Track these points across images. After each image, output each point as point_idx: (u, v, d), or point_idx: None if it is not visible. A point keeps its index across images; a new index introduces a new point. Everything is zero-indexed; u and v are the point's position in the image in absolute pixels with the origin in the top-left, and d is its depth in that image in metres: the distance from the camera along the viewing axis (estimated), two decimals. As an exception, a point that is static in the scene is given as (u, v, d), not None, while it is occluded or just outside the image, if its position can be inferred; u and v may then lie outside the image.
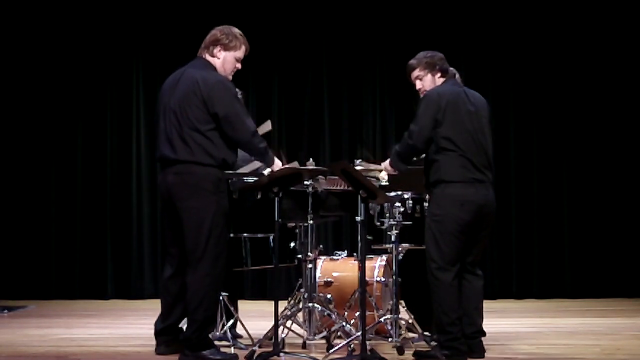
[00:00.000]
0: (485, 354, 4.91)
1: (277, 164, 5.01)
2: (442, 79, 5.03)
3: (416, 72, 5.06)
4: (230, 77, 5.01)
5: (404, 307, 5.60)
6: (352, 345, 4.98)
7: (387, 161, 5.12)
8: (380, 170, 5.31)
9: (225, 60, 4.94)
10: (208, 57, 4.95)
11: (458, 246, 4.79)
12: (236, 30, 4.99)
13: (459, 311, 4.82)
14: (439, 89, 4.93)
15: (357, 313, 5.22)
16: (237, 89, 5.51)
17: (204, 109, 4.75)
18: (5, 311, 7.75)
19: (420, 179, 5.07)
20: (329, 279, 5.76)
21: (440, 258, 4.78)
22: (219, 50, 4.94)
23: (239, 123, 4.79)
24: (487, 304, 5.11)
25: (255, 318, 6.24)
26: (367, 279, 5.26)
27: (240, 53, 4.98)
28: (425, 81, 5.05)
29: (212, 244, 4.73)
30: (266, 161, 4.98)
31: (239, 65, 5.02)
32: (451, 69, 5.10)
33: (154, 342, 5.09)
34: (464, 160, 4.79)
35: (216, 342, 4.96)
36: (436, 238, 4.80)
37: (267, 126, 5.44)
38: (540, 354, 5.17)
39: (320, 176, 5.44)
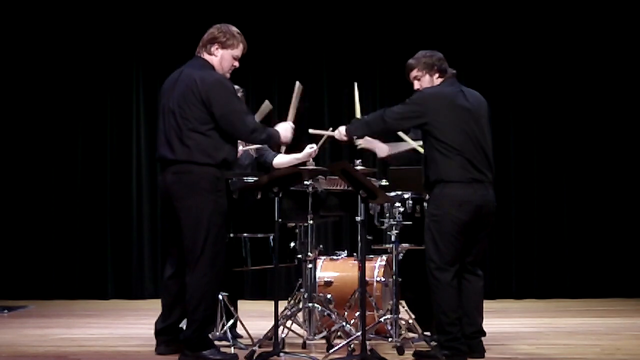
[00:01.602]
0: (485, 354, 4.91)
1: (284, 132, 5.04)
2: (440, 79, 5.02)
3: (414, 72, 5.06)
4: (228, 76, 5.00)
5: (404, 307, 5.60)
6: (352, 345, 4.99)
7: (343, 127, 5.15)
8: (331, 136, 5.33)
9: (222, 58, 4.94)
10: (206, 56, 4.94)
11: (457, 246, 4.79)
12: (234, 29, 4.99)
13: (459, 311, 4.82)
14: (433, 88, 4.93)
15: (357, 313, 5.22)
16: (237, 87, 5.53)
17: (203, 109, 4.75)
18: (5, 311, 7.75)
19: (419, 179, 5.07)
20: (329, 279, 5.76)
21: (439, 258, 4.78)
22: (217, 49, 4.93)
23: (238, 121, 4.79)
24: (487, 304, 5.12)
25: (255, 318, 6.25)
26: (367, 279, 5.26)
27: (237, 51, 4.98)
28: (424, 81, 5.03)
29: (210, 243, 4.73)
30: (272, 144, 5.05)
31: (236, 64, 5.01)
32: (450, 69, 5.09)
33: (154, 342, 5.09)
34: (463, 160, 4.78)
35: (216, 342, 4.97)
36: (435, 238, 4.79)
37: (266, 107, 5.44)
38: (540, 354, 5.18)
39: (320, 176, 5.44)
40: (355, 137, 5.24)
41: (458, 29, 9.07)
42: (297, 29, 9.21)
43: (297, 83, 5.45)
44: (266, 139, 4.98)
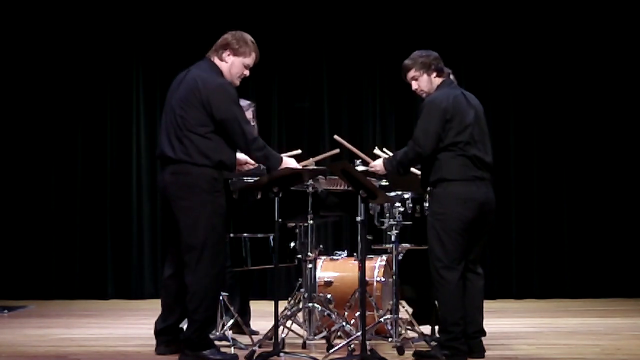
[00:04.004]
0: (485, 354, 4.91)
1: (287, 163, 4.95)
2: (438, 79, 5.01)
3: (412, 73, 5.04)
4: (238, 83, 4.99)
5: (404, 307, 5.60)
6: (352, 345, 4.99)
7: (381, 162, 5.09)
8: (367, 163, 5.26)
9: (233, 65, 4.93)
10: (216, 61, 4.94)
11: (462, 244, 4.79)
12: (248, 37, 4.98)
13: (463, 310, 4.82)
14: (440, 94, 4.91)
15: (357, 313, 5.22)
16: (249, 102, 5.56)
17: (203, 111, 4.74)
18: (5, 311, 7.75)
19: (419, 179, 5.07)
20: (329, 279, 5.76)
21: (446, 257, 4.77)
22: (228, 55, 4.93)
23: (238, 128, 4.77)
24: (487, 304, 5.11)
25: (255, 318, 6.25)
26: (367, 279, 5.26)
27: (249, 60, 4.96)
28: (422, 82, 5.03)
29: (210, 244, 4.73)
30: (270, 165, 4.93)
31: (247, 72, 4.99)
32: (446, 68, 5.09)
33: (154, 342, 5.09)
34: (465, 160, 4.80)
35: (216, 342, 4.96)
36: (440, 236, 4.79)
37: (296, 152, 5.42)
38: (540, 354, 5.18)
39: (320, 176, 5.44)
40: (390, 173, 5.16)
41: (457, 29, 9.07)
42: (298, 29, 9.20)
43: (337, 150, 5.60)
44: (262, 158, 4.89)
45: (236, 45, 4.92)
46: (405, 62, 5.07)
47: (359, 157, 5.33)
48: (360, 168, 5.22)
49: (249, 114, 5.69)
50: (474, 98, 5.00)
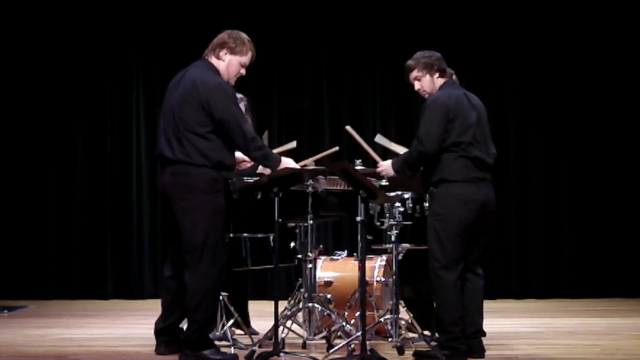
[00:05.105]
0: (485, 353, 4.91)
1: (286, 163, 4.95)
2: (440, 79, 5.01)
3: (414, 73, 5.05)
4: (233, 82, 4.99)
5: (404, 307, 5.61)
6: (352, 345, 4.99)
7: (390, 162, 5.09)
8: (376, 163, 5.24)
9: (229, 63, 4.93)
10: (213, 60, 4.94)
11: (462, 245, 4.80)
12: (244, 36, 4.98)
13: (461, 310, 4.82)
14: (443, 94, 4.91)
15: (357, 313, 5.22)
16: (241, 95, 5.53)
17: (202, 112, 4.74)
18: (5, 311, 7.75)
19: (419, 179, 5.07)
20: (329, 279, 5.76)
21: (444, 257, 4.78)
22: (225, 54, 4.93)
23: (236, 128, 4.77)
24: (487, 304, 5.11)
25: (255, 318, 6.25)
26: (367, 279, 5.26)
27: (245, 59, 4.97)
28: (424, 82, 5.03)
29: (210, 244, 4.73)
30: (269, 165, 4.93)
31: (243, 71, 5.00)
32: (448, 69, 5.09)
33: (154, 342, 5.09)
34: (467, 161, 4.80)
35: (216, 342, 4.96)
36: (440, 237, 4.79)
37: (292, 144, 5.41)
38: (540, 354, 5.18)
39: (320, 176, 5.44)
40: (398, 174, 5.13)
41: (458, 29, 9.07)
42: (298, 29, 9.20)
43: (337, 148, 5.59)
44: (261, 157, 4.88)
45: (233, 44, 4.92)
46: (407, 62, 5.08)
47: (363, 154, 5.32)
48: (360, 168, 5.22)
49: (242, 108, 5.66)
50: (477, 99, 5.00)
